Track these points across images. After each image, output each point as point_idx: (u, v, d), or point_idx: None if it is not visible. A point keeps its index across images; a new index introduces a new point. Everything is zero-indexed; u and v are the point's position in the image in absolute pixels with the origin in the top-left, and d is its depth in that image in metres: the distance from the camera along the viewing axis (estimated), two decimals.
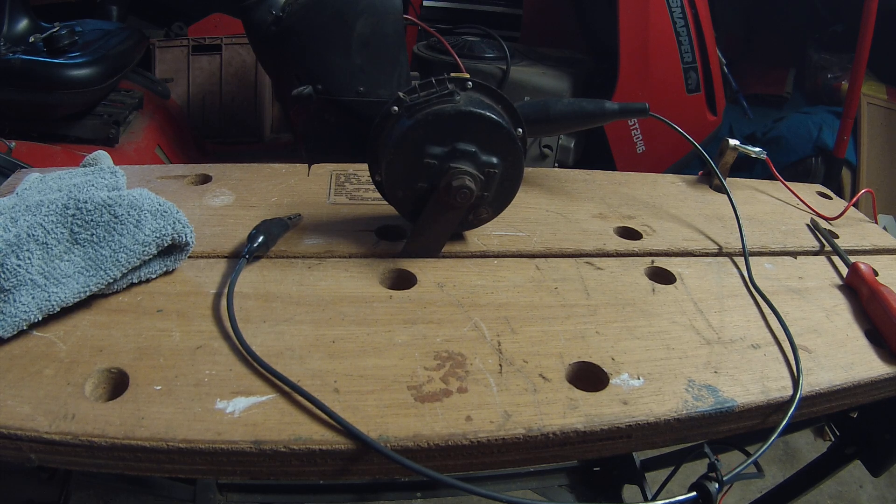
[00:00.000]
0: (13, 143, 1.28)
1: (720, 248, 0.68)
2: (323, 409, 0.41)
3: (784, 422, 0.46)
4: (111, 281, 0.48)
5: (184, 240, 0.52)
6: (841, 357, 0.53)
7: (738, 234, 0.68)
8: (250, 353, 0.45)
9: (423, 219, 0.58)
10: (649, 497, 1.04)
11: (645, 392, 0.46)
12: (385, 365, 0.46)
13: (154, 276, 0.52)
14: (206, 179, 0.72)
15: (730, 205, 0.72)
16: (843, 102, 1.77)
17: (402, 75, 1.16)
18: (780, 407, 0.48)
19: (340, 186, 0.73)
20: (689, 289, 0.60)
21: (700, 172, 0.87)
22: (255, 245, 0.56)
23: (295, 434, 0.39)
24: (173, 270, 0.54)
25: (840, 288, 0.64)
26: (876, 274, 0.63)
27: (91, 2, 1.97)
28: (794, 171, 1.92)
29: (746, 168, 1.46)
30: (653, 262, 0.64)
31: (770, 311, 0.57)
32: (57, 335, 0.46)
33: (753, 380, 0.49)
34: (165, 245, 0.51)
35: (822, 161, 1.90)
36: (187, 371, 0.43)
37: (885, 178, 1.97)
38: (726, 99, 1.90)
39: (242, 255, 0.55)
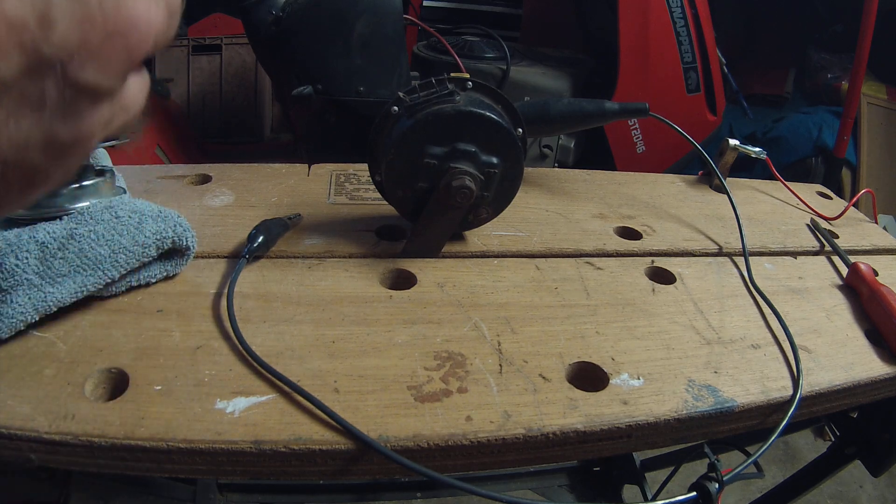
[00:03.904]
0: None
1: (720, 248, 0.68)
2: (323, 409, 0.41)
3: (784, 422, 0.46)
4: (109, 281, 0.48)
5: (184, 243, 0.52)
6: (841, 357, 0.53)
7: (738, 234, 0.68)
8: (250, 353, 0.45)
9: (423, 219, 0.58)
10: (649, 497, 1.05)
11: (645, 392, 0.46)
12: (385, 365, 0.46)
13: (154, 280, 0.52)
14: (206, 179, 0.72)
15: (730, 205, 0.72)
16: (843, 102, 1.77)
17: (402, 75, 1.16)
18: (780, 407, 0.48)
19: (340, 186, 0.73)
20: (689, 289, 0.60)
21: (700, 172, 0.87)
22: (255, 245, 0.56)
23: (295, 434, 0.39)
24: (174, 275, 0.54)
25: (840, 288, 0.64)
26: (876, 274, 0.63)
27: None
28: (794, 171, 1.92)
29: (746, 168, 1.46)
30: (653, 262, 0.64)
31: (770, 311, 0.57)
32: (57, 335, 0.46)
33: (753, 380, 0.49)
34: (166, 248, 0.51)
35: (822, 161, 1.90)
36: (187, 371, 0.43)
37: (885, 178, 1.97)
38: (726, 99, 1.90)
39: (242, 255, 0.55)
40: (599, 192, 0.78)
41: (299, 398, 0.42)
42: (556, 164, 1.66)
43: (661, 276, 0.62)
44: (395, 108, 0.57)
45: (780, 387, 0.48)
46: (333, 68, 1.11)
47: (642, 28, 1.63)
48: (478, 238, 0.64)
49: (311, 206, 0.68)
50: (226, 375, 0.43)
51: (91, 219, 0.49)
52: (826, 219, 0.79)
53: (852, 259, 0.65)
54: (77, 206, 0.50)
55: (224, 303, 0.50)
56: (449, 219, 0.58)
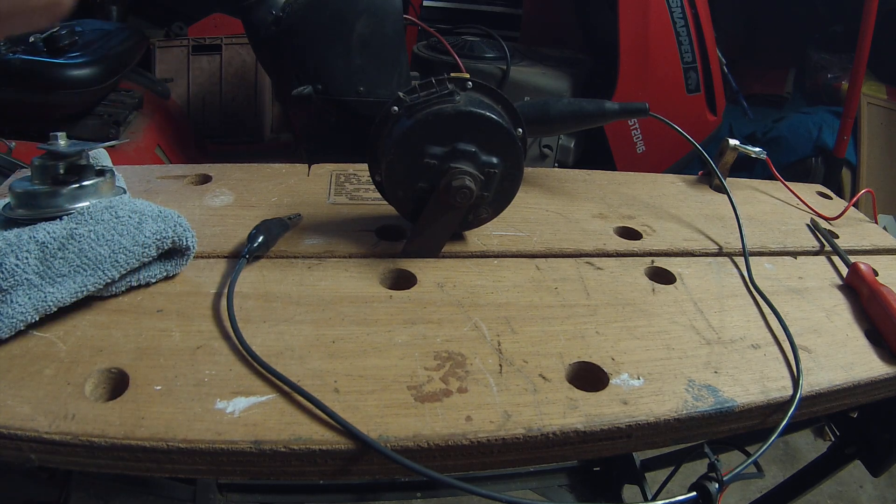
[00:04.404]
0: (13, 143, 1.28)
1: (720, 248, 0.68)
2: (323, 409, 0.41)
3: (784, 422, 0.46)
4: (109, 281, 0.48)
5: (185, 243, 0.52)
6: (841, 357, 0.53)
7: (738, 234, 0.68)
8: (250, 353, 0.45)
9: (423, 219, 0.58)
10: (649, 497, 1.05)
11: (645, 392, 0.46)
12: (385, 365, 0.46)
13: (154, 280, 0.52)
14: (206, 179, 0.72)
15: (730, 205, 0.72)
16: (843, 102, 1.77)
17: (402, 75, 1.16)
18: (780, 407, 0.48)
19: (340, 186, 0.73)
20: (689, 289, 0.60)
21: (700, 172, 0.87)
22: (255, 245, 0.56)
23: (295, 434, 0.39)
24: (174, 275, 0.54)
25: (840, 288, 0.64)
26: (876, 274, 0.63)
27: (91, 2, 1.97)
28: (794, 171, 1.92)
29: (746, 168, 1.46)
30: (653, 262, 0.64)
31: (770, 311, 0.57)
32: (57, 335, 0.46)
33: (753, 380, 0.49)
34: (166, 248, 0.51)
35: (822, 161, 1.90)
36: (187, 371, 0.43)
37: (885, 178, 1.97)
38: (726, 99, 1.90)
39: (242, 255, 0.55)
40: (599, 192, 0.78)
41: (299, 398, 0.42)
42: (556, 164, 1.66)
43: (661, 276, 0.62)
44: (395, 108, 0.57)
45: (780, 387, 0.48)
46: (333, 68, 1.11)
47: (642, 28, 1.63)
48: (478, 238, 0.64)
49: (311, 206, 0.68)
50: (226, 375, 0.43)
51: (91, 219, 0.49)
52: (826, 219, 0.79)
53: (852, 259, 0.65)
54: (77, 206, 0.50)
55: (224, 303, 0.50)
56: (449, 219, 0.58)
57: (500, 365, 0.47)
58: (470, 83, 0.58)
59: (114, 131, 1.47)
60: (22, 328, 0.45)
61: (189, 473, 0.40)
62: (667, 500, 0.43)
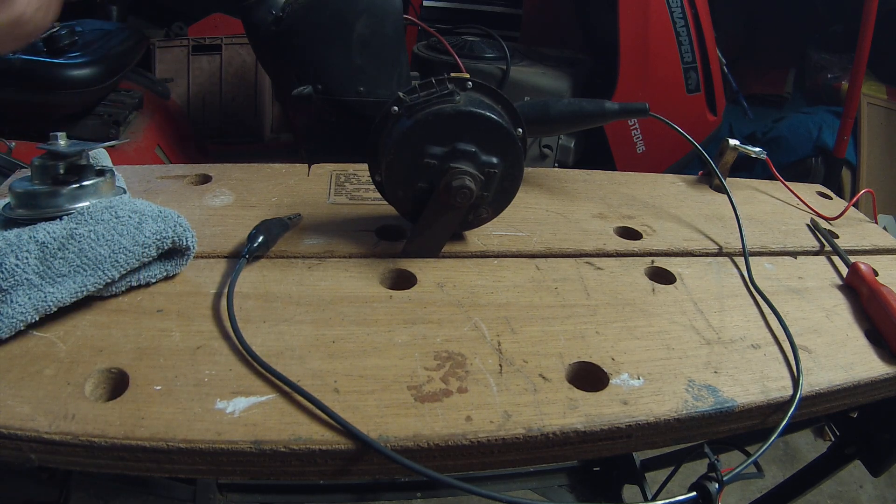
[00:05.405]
0: (13, 143, 1.28)
1: (720, 248, 0.68)
2: (323, 409, 0.41)
3: (784, 422, 0.46)
4: (109, 281, 0.48)
5: (185, 243, 0.52)
6: (841, 357, 0.53)
7: (738, 234, 0.68)
8: (250, 353, 0.45)
9: (423, 219, 0.58)
10: (649, 497, 1.05)
11: (645, 392, 0.46)
12: (385, 365, 0.46)
13: (154, 280, 0.52)
14: (206, 179, 0.72)
15: (730, 205, 0.72)
16: (843, 102, 1.77)
17: (402, 75, 1.16)
18: (780, 407, 0.48)
19: (340, 186, 0.73)
20: (689, 289, 0.60)
21: (700, 172, 0.87)
22: (255, 245, 0.56)
23: (295, 434, 0.39)
24: (174, 275, 0.54)
25: (840, 288, 0.64)
26: (876, 274, 0.63)
27: (91, 2, 1.97)
28: (794, 171, 1.92)
29: (746, 168, 1.46)
30: (653, 262, 0.64)
31: (770, 311, 0.57)
32: (57, 335, 0.46)
33: (753, 380, 0.49)
34: (166, 248, 0.51)
35: (822, 161, 1.90)
36: (187, 371, 0.43)
37: (885, 178, 1.97)
38: (726, 99, 1.90)
39: (242, 255, 0.55)
40: (599, 192, 0.78)
41: (299, 398, 0.42)
42: (556, 164, 1.66)
43: (661, 276, 0.62)
44: (395, 108, 0.57)
45: (780, 387, 0.48)
46: (333, 68, 1.11)
47: (642, 28, 1.63)
48: (478, 238, 0.64)
49: (311, 206, 0.68)
50: (226, 375, 0.43)
51: (91, 219, 0.49)
52: (826, 219, 0.79)
53: (852, 259, 0.65)
54: (77, 206, 0.50)
55: (224, 303, 0.50)
56: (449, 219, 0.58)
57: (500, 365, 0.47)
58: (470, 83, 0.58)
59: (114, 131, 1.47)
60: (22, 328, 0.45)
61: (189, 473, 0.40)
62: (667, 500, 0.43)
